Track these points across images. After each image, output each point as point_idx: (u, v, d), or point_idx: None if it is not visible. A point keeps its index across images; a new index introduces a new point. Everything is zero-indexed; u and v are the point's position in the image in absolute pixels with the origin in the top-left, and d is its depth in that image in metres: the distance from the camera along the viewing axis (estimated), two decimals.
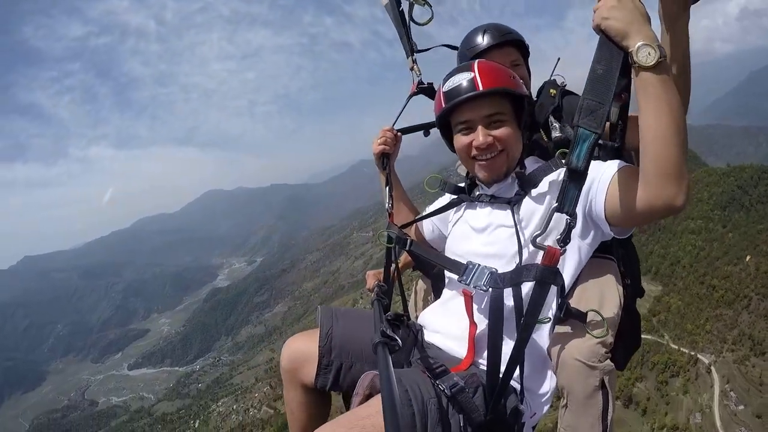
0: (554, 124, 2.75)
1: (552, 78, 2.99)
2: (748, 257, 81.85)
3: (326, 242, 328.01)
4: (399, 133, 2.92)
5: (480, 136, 2.09)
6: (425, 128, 3.03)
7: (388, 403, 1.28)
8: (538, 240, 1.66)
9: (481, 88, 2.06)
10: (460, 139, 2.20)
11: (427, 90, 3.04)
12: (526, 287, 1.87)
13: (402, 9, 3.03)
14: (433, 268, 3.00)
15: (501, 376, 1.79)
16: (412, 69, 3.07)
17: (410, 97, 3.06)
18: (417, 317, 2.77)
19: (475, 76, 2.08)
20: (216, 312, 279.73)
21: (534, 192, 2.14)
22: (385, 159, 2.84)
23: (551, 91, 2.88)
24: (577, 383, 2.21)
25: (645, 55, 1.45)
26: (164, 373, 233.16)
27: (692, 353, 68.97)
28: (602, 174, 1.79)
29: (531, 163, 2.33)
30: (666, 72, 1.50)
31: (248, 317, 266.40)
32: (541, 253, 1.70)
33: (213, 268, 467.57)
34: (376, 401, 1.72)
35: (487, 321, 1.96)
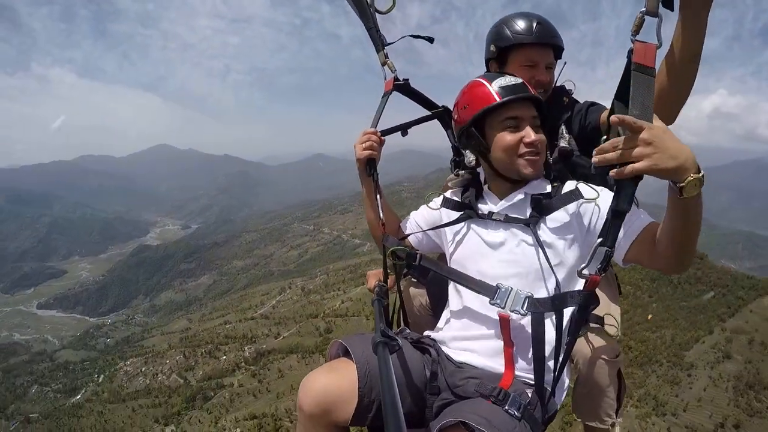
0: (564, 134, 2.80)
1: (561, 84, 3.06)
2: (649, 316, 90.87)
3: (266, 225, 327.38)
4: (383, 137, 2.74)
5: (532, 133, 2.18)
6: (405, 128, 2.96)
7: (389, 403, 1.33)
8: (583, 272, 1.80)
9: (533, 93, 2.22)
10: (506, 136, 2.22)
11: (403, 87, 2.93)
12: (569, 311, 2.03)
13: None
14: (428, 274, 2.97)
15: (552, 386, 2.03)
16: (384, 64, 2.91)
17: (387, 95, 2.88)
18: (410, 325, 2.85)
19: (524, 82, 2.24)
20: (139, 269, 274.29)
21: (550, 218, 2.21)
22: (370, 165, 2.68)
23: (564, 99, 2.98)
24: (601, 376, 2.62)
25: (692, 187, 1.50)
26: (74, 320, 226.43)
27: None
28: (634, 221, 1.91)
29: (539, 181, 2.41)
30: (700, 195, 1.56)
31: (171, 282, 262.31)
32: (572, 270, 2.10)
33: (145, 224, 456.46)
34: None
35: (527, 342, 2.07)
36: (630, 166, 1.52)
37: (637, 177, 1.55)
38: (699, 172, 1.50)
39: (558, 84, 3.07)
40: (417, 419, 2.14)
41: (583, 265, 1.81)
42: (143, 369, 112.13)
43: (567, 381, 2.24)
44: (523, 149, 2.21)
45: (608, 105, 2.22)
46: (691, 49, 1.91)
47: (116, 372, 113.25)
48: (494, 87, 2.21)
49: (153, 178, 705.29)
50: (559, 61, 3.02)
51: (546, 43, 2.85)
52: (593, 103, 2.95)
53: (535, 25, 2.82)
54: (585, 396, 2.85)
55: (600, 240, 1.74)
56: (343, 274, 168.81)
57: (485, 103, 2.22)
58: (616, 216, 1.69)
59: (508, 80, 2.22)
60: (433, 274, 2.88)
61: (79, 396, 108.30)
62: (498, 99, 2.18)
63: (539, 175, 2.33)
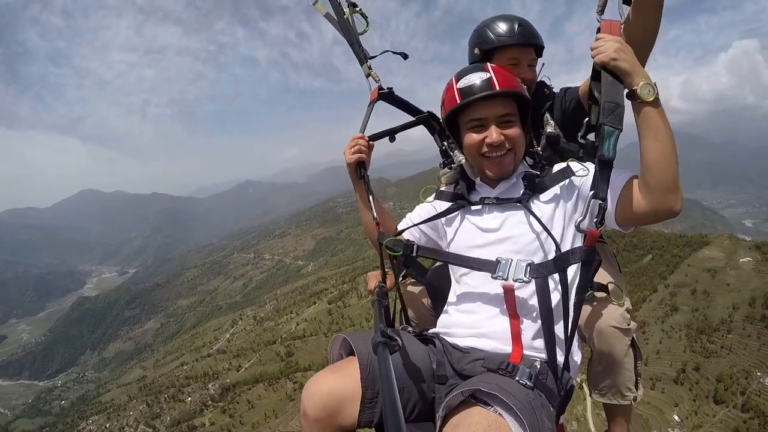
0: (549, 121, 2.95)
1: (540, 80, 3.21)
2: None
3: (205, 260, 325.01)
4: (371, 141, 2.78)
5: (494, 133, 2.16)
6: (392, 133, 3.00)
7: (389, 404, 1.30)
8: (581, 225, 1.92)
9: (497, 88, 2.14)
10: (471, 136, 2.25)
11: (388, 96, 2.99)
12: (572, 270, 2.03)
13: (347, 17, 3.03)
14: (426, 273, 2.96)
15: (564, 358, 1.99)
16: (368, 76, 3.01)
17: (373, 104, 2.97)
18: (412, 324, 2.84)
19: (491, 76, 2.17)
20: (82, 323, 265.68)
21: (543, 195, 2.25)
22: (360, 168, 2.70)
23: (546, 90, 3.16)
24: (615, 346, 2.60)
25: (646, 92, 1.74)
26: (22, 387, 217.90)
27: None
28: (614, 181, 1.92)
29: (523, 167, 2.41)
30: (660, 105, 1.77)
31: (117, 332, 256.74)
32: (570, 238, 2.11)
33: (81, 275, 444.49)
34: (473, 416, 1.68)
35: (533, 311, 2.06)
36: (598, 56, 1.85)
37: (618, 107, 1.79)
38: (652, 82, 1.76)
39: (541, 80, 3.25)
40: (426, 411, 2.13)
41: (580, 218, 1.94)
42: (107, 425, 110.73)
43: (579, 354, 2.21)
44: (485, 149, 2.24)
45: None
46: (651, 10, 2.10)
47: None
48: (457, 87, 2.24)
49: (82, 225, 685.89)
50: (539, 58, 3.19)
51: (527, 42, 2.98)
52: (568, 88, 3.15)
53: (516, 26, 2.96)
54: (602, 373, 2.83)
55: (592, 192, 1.86)
56: (292, 296, 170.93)
57: (450, 105, 2.27)
58: (603, 166, 1.81)
59: (470, 78, 2.20)
60: (432, 272, 2.98)
61: None
62: (458, 101, 2.21)
63: (507, 174, 2.34)
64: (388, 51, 3.21)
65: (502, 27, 2.99)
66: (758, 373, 69.06)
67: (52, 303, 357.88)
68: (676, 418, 66.21)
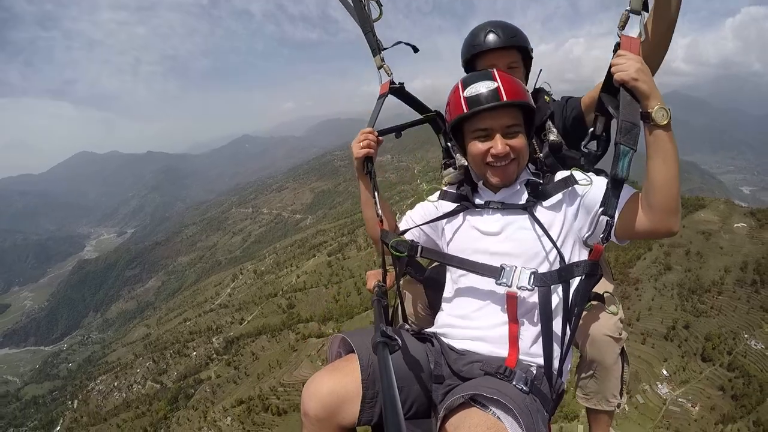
0: (552, 129, 2.92)
1: (539, 86, 3.25)
2: None
3: (203, 216, 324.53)
4: (380, 137, 2.78)
5: (499, 144, 2.18)
6: (398, 130, 3.04)
7: (389, 404, 1.34)
8: (588, 241, 1.98)
9: (505, 99, 2.15)
10: (476, 146, 2.26)
11: (398, 91, 2.98)
12: (574, 281, 2.04)
13: (363, 3, 2.98)
14: (424, 272, 3.00)
15: (558, 365, 2.06)
16: (380, 68, 2.98)
17: (383, 98, 2.93)
18: (411, 323, 2.83)
19: (499, 86, 2.16)
20: (83, 286, 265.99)
21: (546, 202, 2.26)
22: (368, 163, 2.71)
23: (546, 97, 3.16)
24: (606, 354, 2.70)
25: (661, 116, 1.78)
26: (28, 353, 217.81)
27: None
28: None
29: (525, 173, 2.44)
30: (671, 129, 1.82)
31: (119, 292, 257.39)
32: (570, 246, 2.18)
33: (80, 238, 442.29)
34: (473, 418, 1.74)
35: (533, 319, 2.12)
36: (619, 73, 1.86)
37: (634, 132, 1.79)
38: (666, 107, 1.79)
39: (541, 87, 3.27)
40: (423, 409, 2.17)
41: (588, 233, 1.98)
42: (116, 384, 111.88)
43: (571, 360, 2.25)
44: (489, 159, 2.26)
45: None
46: (668, 18, 2.13)
47: (89, 393, 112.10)
48: (464, 95, 2.24)
49: (78, 188, 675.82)
50: (535, 63, 3.16)
51: (503, 46, 2.95)
52: (570, 97, 3.14)
53: (485, 33, 2.96)
54: (590, 379, 2.90)
55: (602, 209, 1.88)
56: (291, 250, 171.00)
57: (457, 112, 2.28)
58: (615, 185, 1.84)
59: (478, 87, 2.20)
60: (430, 272, 2.97)
61: (58, 427, 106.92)
62: (465, 110, 2.22)
63: (510, 182, 2.36)
64: (401, 42, 3.25)
65: (475, 35, 3.03)
66: (745, 335, 72.47)
67: (53, 268, 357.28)
68: (665, 372, 71.09)
